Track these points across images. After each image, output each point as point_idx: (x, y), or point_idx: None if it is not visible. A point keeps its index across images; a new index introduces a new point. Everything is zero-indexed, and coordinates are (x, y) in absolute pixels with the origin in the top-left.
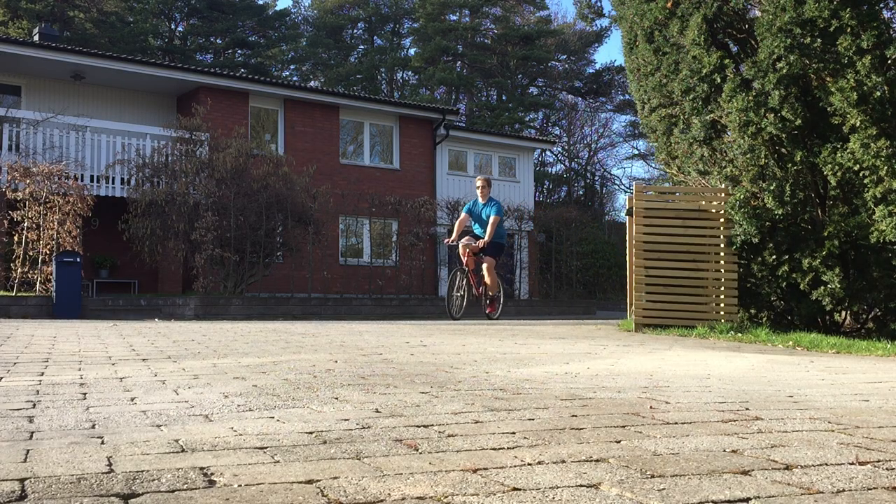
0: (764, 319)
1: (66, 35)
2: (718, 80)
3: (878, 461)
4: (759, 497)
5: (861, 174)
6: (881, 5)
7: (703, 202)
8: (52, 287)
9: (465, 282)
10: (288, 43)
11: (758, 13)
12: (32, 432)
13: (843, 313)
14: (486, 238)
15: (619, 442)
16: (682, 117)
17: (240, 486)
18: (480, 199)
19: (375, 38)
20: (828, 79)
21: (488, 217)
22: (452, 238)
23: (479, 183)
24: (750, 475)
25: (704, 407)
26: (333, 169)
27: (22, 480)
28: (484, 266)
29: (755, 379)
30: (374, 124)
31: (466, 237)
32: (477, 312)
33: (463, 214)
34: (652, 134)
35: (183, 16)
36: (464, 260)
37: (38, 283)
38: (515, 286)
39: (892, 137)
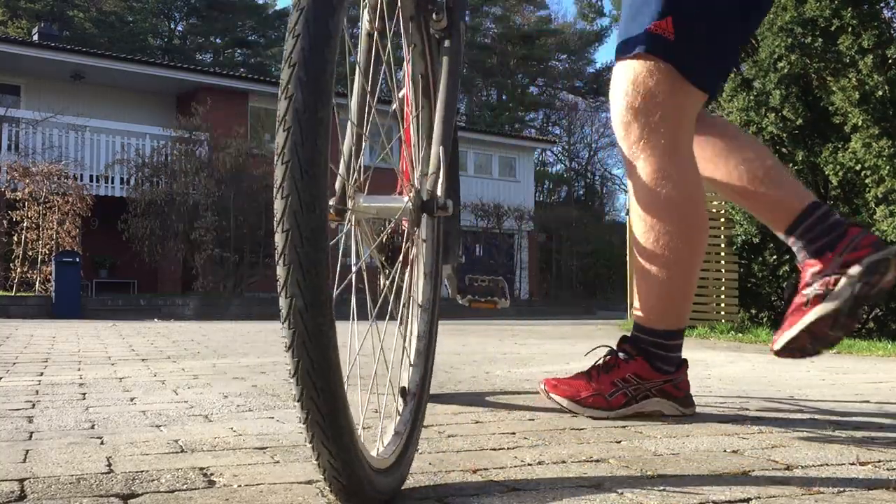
0: (764, 319)
1: (66, 35)
2: None
3: (879, 461)
4: (759, 497)
5: (862, 174)
6: (882, 5)
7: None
8: (52, 287)
9: None
10: None
11: None
12: (32, 432)
13: None
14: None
15: (619, 442)
16: None
17: (239, 486)
18: None
19: None
20: (829, 78)
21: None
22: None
23: None
24: (750, 475)
25: (704, 407)
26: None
27: (21, 481)
28: None
29: (755, 379)
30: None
31: None
32: (475, 311)
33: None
34: None
35: (182, 15)
36: None
37: (37, 282)
38: (515, 286)
39: (893, 137)
